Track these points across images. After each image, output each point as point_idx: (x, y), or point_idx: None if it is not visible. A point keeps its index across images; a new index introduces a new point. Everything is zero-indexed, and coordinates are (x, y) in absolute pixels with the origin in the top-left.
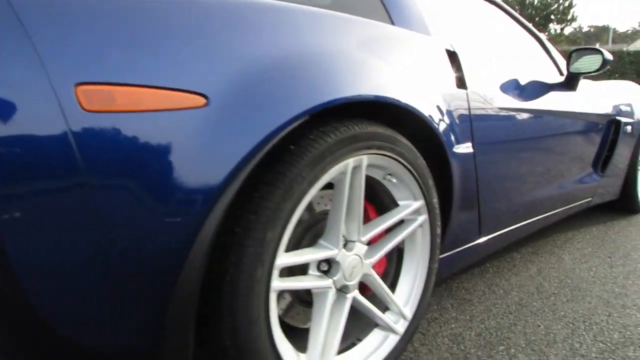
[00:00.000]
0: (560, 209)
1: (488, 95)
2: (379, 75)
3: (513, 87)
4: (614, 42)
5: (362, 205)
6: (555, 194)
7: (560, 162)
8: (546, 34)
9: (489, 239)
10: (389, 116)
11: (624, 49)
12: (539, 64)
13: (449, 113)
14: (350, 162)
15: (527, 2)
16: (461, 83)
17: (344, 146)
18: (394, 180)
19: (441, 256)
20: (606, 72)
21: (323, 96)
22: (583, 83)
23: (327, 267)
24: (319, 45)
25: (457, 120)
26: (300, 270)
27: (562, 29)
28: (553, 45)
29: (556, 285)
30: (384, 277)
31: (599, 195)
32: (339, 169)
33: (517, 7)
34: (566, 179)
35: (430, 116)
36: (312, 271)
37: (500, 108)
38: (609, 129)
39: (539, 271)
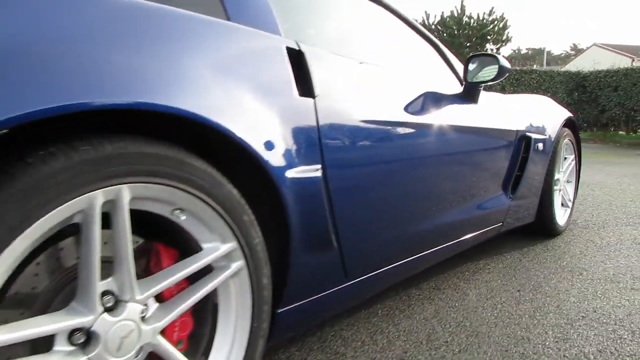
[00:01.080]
0: (463, 238)
1: (351, 107)
2: (155, 78)
3: (393, 98)
4: (549, 63)
5: (131, 252)
6: (456, 221)
7: (458, 185)
8: None
9: (361, 282)
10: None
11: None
12: (433, 72)
13: (281, 127)
14: (97, 195)
15: (464, 22)
16: (306, 90)
17: (82, 173)
18: (183, 217)
19: (286, 308)
20: (538, 89)
21: (30, 104)
22: (490, 96)
23: (85, 338)
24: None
25: (293, 137)
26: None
27: (497, 49)
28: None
29: (451, 331)
30: (192, 343)
31: (511, 219)
32: (75, 206)
33: (454, 27)
34: (468, 204)
35: (241, 132)
36: (60, 345)
37: (371, 121)
38: (519, 146)
39: (435, 312)
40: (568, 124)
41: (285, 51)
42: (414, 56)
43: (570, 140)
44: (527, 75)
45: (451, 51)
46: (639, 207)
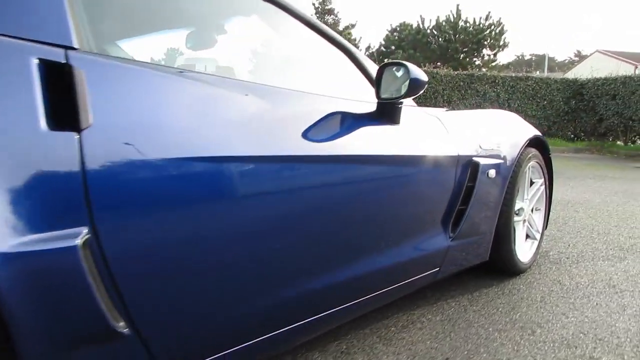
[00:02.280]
0: (376, 293)
1: (164, 138)
2: None
3: (253, 123)
4: (553, 70)
5: None
6: (364, 275)
7: (364, 230)
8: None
9: None
10: None
11: (560, 76)
12: (339, 86)
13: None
14: None
15: (460, 26)
16: (67, 121)
17: None
18: None
19: None
20: (535, 97)
21: None
22: (421, 114)
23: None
24: None
25: (26, 190)
26: None
27: (494, 55)
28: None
29: None
30: None
31: (452, 262)
32: None
33: (450, 31)
34: (383, 251)
35: None
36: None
37: (201, 159)
38: (462, 174)
39: None
40: (534, 143)
41: (34, 66)
42: (310, 65)
43: (537, 162)
44: (523, 82)
45: (446, 57)
46: (622, 234)
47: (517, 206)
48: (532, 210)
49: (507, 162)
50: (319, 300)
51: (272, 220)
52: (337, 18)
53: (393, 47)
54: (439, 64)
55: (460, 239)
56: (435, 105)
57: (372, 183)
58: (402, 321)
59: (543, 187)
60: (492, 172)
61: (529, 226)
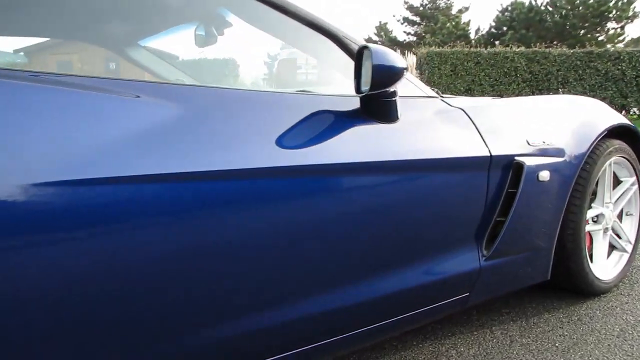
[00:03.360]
0: (377, 325)
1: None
2: None
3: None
4: None
5: None
6: (358, 305)
7: (361, 249)
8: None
9: None
10: None
11: None
12: (322, 79)
13: None
14: None
15: (578, 0)
16: None
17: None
18: None
19: None
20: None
21: None
22: (445, 106)
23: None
24: None
25: None
26: None
27: (621, 28)
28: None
29: None
30: None
31: (487, 285)
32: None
33: (567, 6)
34: (386, 274)
35: None
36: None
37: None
38: (500, 178)
39: None
40: (619, 134)
41: None
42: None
43: (624, 157)
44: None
45: (562, 35)
46: None
47: (593, 212)
48: (620, 216)
49: (572, 159)
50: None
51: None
52: (449, 2)
53: (505, 28)
54: (555, 43)
55: (499, 257)
56: (547, 89)
57: (361, 196)
58: (425, 353)
59: (636, 187)
60: (544, 174)
61: (615, 236)
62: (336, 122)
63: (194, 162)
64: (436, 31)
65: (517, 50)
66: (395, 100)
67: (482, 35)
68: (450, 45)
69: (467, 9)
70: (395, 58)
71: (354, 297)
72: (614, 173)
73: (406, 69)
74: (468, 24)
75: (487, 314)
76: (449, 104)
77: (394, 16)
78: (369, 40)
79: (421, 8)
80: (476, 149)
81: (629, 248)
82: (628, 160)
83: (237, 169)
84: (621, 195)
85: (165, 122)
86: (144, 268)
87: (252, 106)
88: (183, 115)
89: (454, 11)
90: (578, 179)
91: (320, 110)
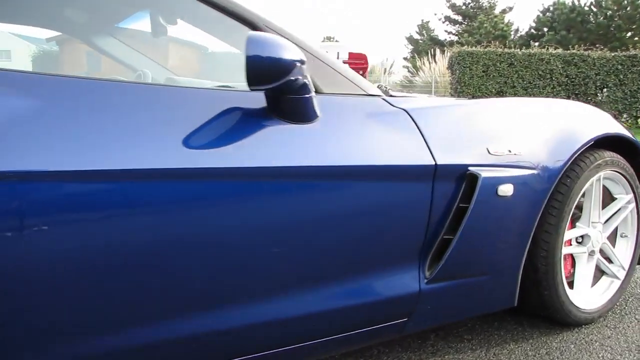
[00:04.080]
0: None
1: None
2: None
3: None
4: None
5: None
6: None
7: (261, 269)
8: None
9: None
10: None
11: None
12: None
13: None
14: None
15: (625, 0)
16: None
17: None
18: None
19: None
20: None
21: None
22: (385, 106)
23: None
24: None
25: None
26: None
27: None
28: None
29: None
30: None
31: (430, 311)
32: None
33: (613, 7)
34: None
35: None
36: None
37: None
38: (448, 190)
39: None
40: (612, 145)
41: None
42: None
43: (618, 171)
44: None
45: (606, 37)
46: None
47: (576, 232)
48: (614, 238)
49: (546, 172)
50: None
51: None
52: (492, 1)
53: (546, 29)
54: (597, 45)
55: (446, 280)
56: (584, 93)
57: (266, 204)
58: None
59: (633, 205)
60: (506, 188)
61: (604, 260)
62: (237, 121)
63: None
64: (474, 31)
65: (553, 52)
66: (307, 97)
67: (521, 36)
68: (483, 45)
69: (510, 9)
70: (281, 50)
71: (270, 315)
72: (607, 189)
73: (300, 62)
74: (507, 24)
75: (445, 339)
76: (391, 104)
77: (435, 14)
78: (410, 38)
79: (463, 7)
80: (416, 157)
81: (621, 274)
82: (623, 176)
83: (105, 170)
84: (614, 214)
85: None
86: None
87: (145, 101)
88: (27, 107)
89: (497, 11)
90: (554, 195)
91: (223, 107)
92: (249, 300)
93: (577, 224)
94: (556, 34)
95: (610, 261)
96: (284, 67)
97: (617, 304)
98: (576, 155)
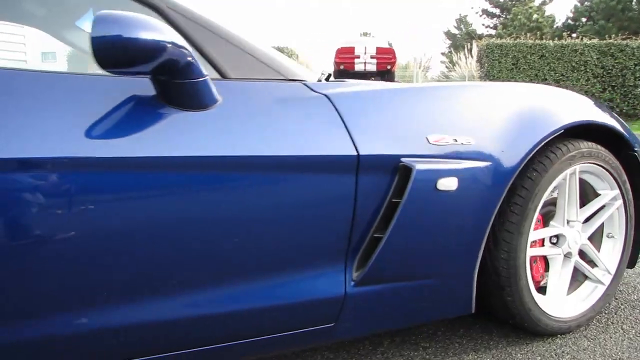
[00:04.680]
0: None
1: None
2: None
3: None
4: None
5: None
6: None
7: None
8: None
9: None
10: None
11: None
12: None
13: None
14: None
15: None
16: None
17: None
18: None
19: None
20: None
21: None
22: (304, 92)
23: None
24: None
25: None
26: None
27: None
28: None
29: None
30: None
31: (363, 316)
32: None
33: None
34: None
35: None
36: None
37: None
38: (376, 184)
39: None
40: (590, 133)
41: None
42: None
43: (599, 164)
44: None
45: None
46: None
47: (546, 232)
48: (599, 238)
49: (503, 164)
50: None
51: None
52: None
53: (584, 20)
54: None
55: (376, 283)
56: (621, 85)
57: (164, 196)
58: None
59: (620, 202)
60: (448, 182)
61: (583, 263)
62: (129, 108)
63: None
64: (508, 24)
65: (588, 42)
66: (195, 82)
67: (558, 27)
68: (513, 37)
69: (551, 0)
70: (136, 30)
71: (177, 314)
72: (590, 185)
73: (172, 44)
74: (542, 14)
75: (399, 347)
76: (312, 90)
77: (472, 8)
78: (448, 33)
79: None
80: (335, 146)
81: (606, 279)
82: (606, 170)
83: None
84: (597, 212)
85: None
86: None
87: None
88: None
89: (537, 2)
90: (516, 190)
91: (114, 94)
92: (152, 297)
93: (552, 222)
94: (595, 24)
95: (594, 264)
96: (142, 48)
97: (605, 311)
98: (540, 145)
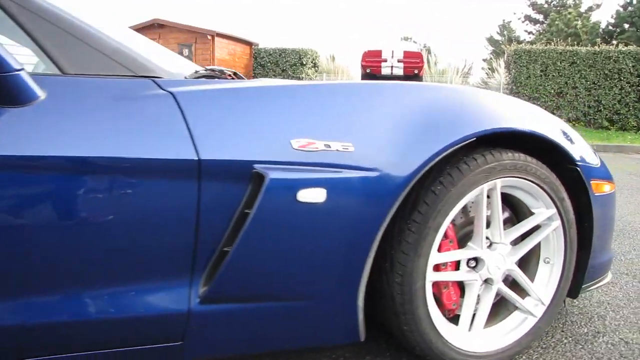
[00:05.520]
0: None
1: None
2: None
3: None
4: None
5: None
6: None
7: None
8: None
9: None
10: None
11: None
12: None
13: None
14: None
15: None
16: None
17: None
18: None
19: None
20: None
21: None
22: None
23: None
24: None
25: None
26: None
27: None
28: None
29: None
30: None
31: (211, 337)
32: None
33: None
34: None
35: None
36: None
37: None
38: (233, 193)
39: None
40: (524, 144)
41: None
42: None
43: (530, 180)
44: None
45: None
46: None
47: (461, 255)
48: (536, 263)
49: (391, 175)
50: None
51: None
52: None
53: (626, 26)
54: None
55: (225, 301)
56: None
57: None
58: None
59: (557, 223)
60: (312, 194)
61: (508, 292)
62: None
63: None
64: (546, 30)
65: (623, 49)
66: (6, 76)
67: (599, 33)
68: (543, 43)
69: (598, 6)
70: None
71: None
72: (523, 202)
73: None
74: (587, 20)
75: None
76: (160, 87)
77: (514, 14)
78: (490, 39)
79: (545, 5)
80: (172, 149)
81: (538, 311)
82: (538, 185)
83: None
84: (528, 233)
85: None
86: None
87: None
88: None
89: (583, 9)
90: (415, 205)
91: None
92: None
93: (469, 243)
94: (637, 30)
95: (526, 294)
96: None
97: (541, 345)
98: (442, 155)
